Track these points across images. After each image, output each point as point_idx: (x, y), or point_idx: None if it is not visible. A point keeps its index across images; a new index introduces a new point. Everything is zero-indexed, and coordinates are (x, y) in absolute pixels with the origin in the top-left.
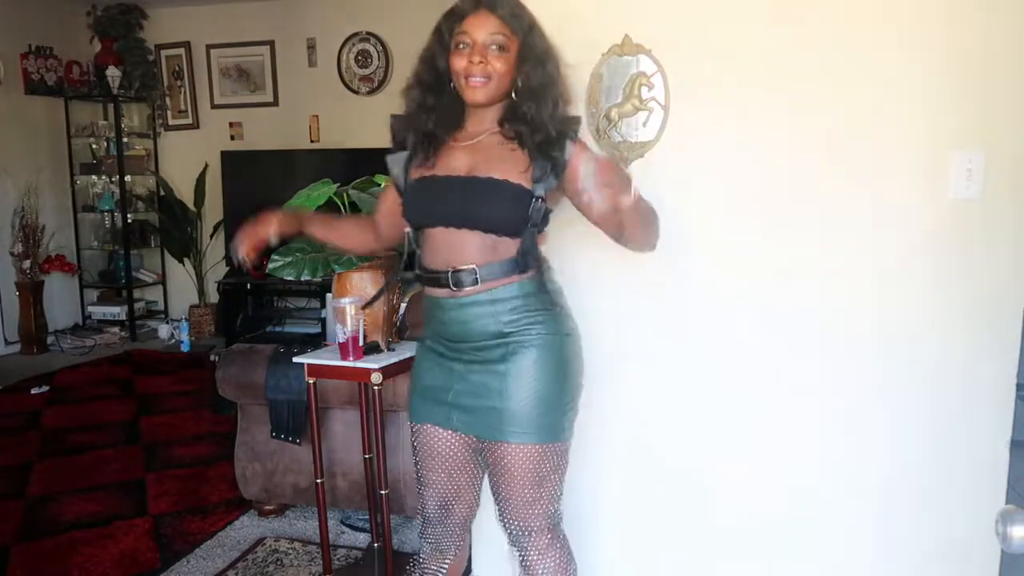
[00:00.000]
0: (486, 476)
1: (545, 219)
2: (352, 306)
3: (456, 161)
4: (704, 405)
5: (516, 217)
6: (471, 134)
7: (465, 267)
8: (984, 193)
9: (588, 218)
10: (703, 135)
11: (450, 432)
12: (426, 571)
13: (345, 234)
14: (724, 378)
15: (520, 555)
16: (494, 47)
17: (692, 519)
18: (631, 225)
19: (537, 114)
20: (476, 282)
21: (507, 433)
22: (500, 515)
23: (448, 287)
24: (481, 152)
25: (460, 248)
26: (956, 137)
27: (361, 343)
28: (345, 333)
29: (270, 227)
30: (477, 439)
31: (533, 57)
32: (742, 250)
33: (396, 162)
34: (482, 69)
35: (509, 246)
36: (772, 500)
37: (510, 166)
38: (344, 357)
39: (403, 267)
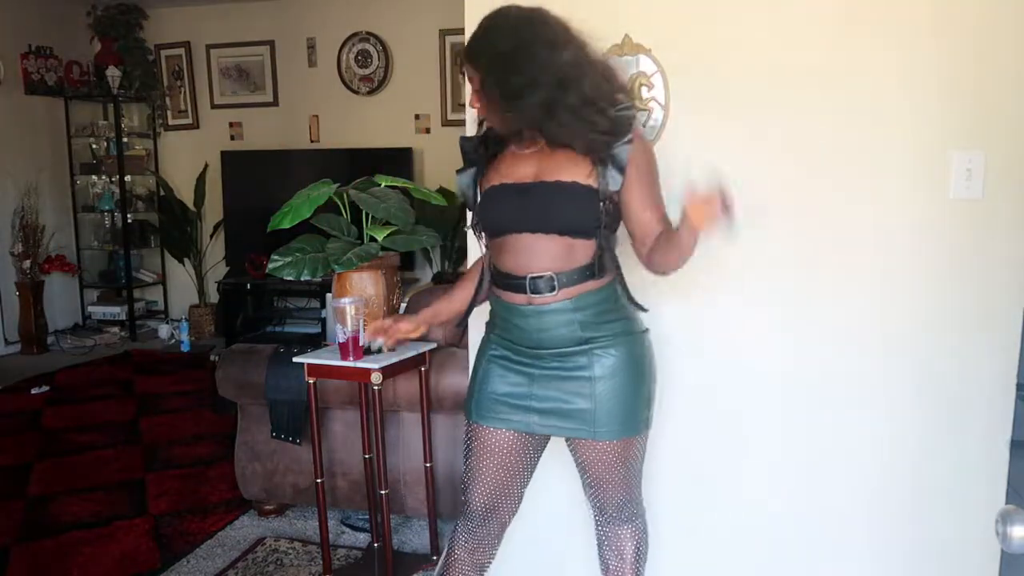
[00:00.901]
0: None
1: (617, 220)
2: (352, 306)
3: (523, 168)
4: (699, 405)
5: (587, 217)
6: (533, 143)
7: (543, 273)
8: (984, 193)
9: (630, 227)
10: (703, 135)
11: (513, 433)
12: (457, 564)
13: (466, 293)
14: (720, 378)
15: (606, 531)
16: (473, 92)
17: (691, 519)
18: (687, 251)
19: (538, 111)
20: (554, 288)
21: (598, 433)
22: (590, 498)
23: (526, 293)
24: (547, 158)
25: (536, 253)
26: (956, 137)
27: (361, 343)
28: (345, 333)
29: (410, 328)
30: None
31: (499, 71)
32: (741, 249)
33: (465, 178)
34: (477, 111)
35: (585, 250)
36: (771, 500)
37: (575, 168)
38: (344, 357)
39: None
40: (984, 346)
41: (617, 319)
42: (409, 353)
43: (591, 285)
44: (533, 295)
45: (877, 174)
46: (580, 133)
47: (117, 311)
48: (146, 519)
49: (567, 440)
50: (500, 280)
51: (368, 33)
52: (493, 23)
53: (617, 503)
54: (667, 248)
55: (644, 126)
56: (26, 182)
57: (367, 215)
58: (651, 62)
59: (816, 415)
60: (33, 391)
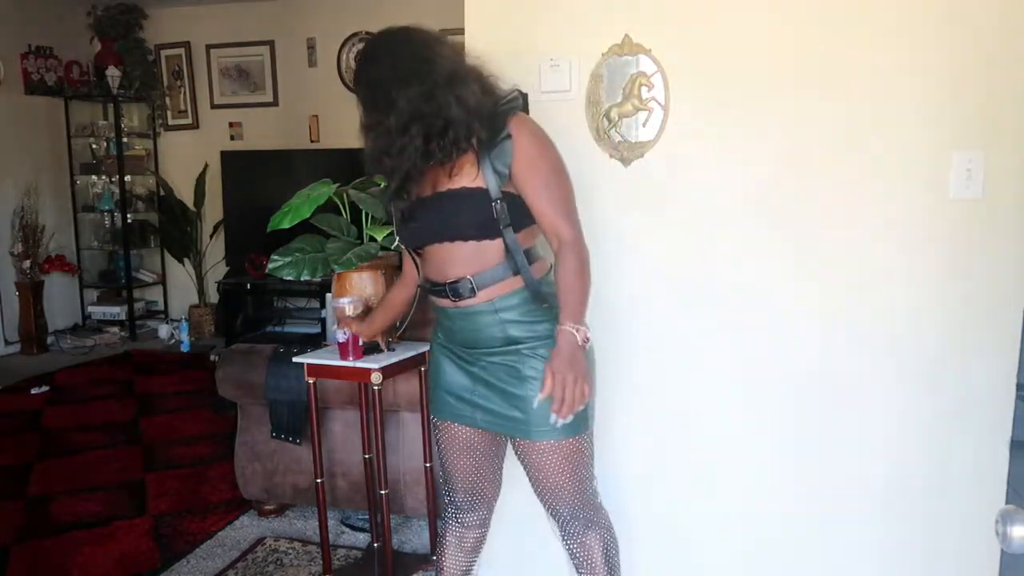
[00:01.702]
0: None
1: (520, 216)
2: (350, 306)
3: (422, 184)
4: (698, 405)
5: (482, 219)
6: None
7: (459, 278)
8: (984, 193)
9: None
10: (703, 135)
11: (465, 426)
12: (449, 552)
13: (396, 301)
14: (720, 377)
15: (570, 544)
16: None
17: (689, 519)
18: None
19: (399, 139)
20: (473, 291)
21: (533, 433)
22: (546, 507)
23: (448, 298)
24: (440, 169)
25: (451, 260)
26: (956, 137)
27: (361, 343)
28: (345, 333)
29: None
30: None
31: (367, 100)
32: (741, 250)
33: (385, 200)
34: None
35: (496, 251)
36: (771, 500)
37: (463, 174)
38: (344, 357)
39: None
40: (984, 346)
41: (547, 319)
42: (409, 353)
43: (509, 285)
44: (456, 299)
45: (877, 174)
46: (462, 135)
47: (117, 311)
48: (146, 519)
49: (512, 444)
50: (428, 287)
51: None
52: (359, 62)
53: (571, 507)
54: (558, 275)
55: (644, 126)
56: (26, 182)
57: (367, 215)
58: (651, 62)
59: (815, 415)
60: (33, 391)
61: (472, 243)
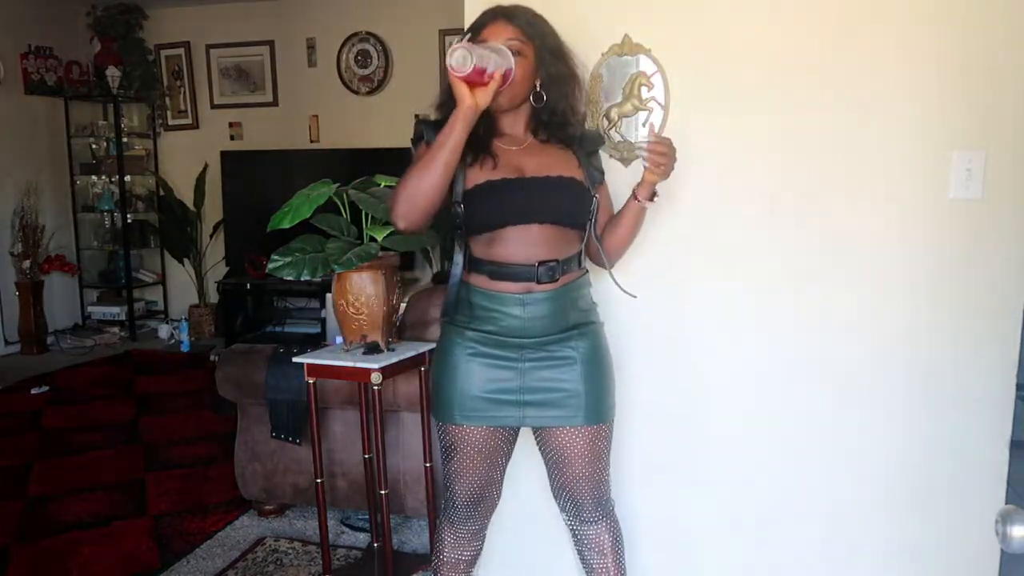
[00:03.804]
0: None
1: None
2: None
3: (519, 163)
4: (698, 403)
5: (581, 209)
6: (517, 139)
7: (548, 260)
8: (984, 193)
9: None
10: (703, 135)
11: (490, 428)
12: (444, 564)
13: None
14: (720, 378)
15: (582, 532)
16: (518, 61)
17: (688, 519)
18: (636, 227)
19: (565, 106)
20: (555, 276)
21: (587, 417)
22: (559, 493)
23: (532, 281)
24: (537, 155)
25: (540, 243)
26: (956, 137)
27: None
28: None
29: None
30: (532, 429)
31: (550, 56)
32: (741, 249)
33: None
34: (506, 83)
35: (574, 240)
36: (771, 500)
37: (568, 165)
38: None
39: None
40: (984, 346)
41: (592, 306)
42: (409, 353)
43: (579, 273)
44: (536, 284)
45: (877, 174)
46: (578, 133)
47: (117, 311)
48: (146, 519)
49: (539, 438)
50: (494, 271)
51: (368, 33)
52: (536, 14)
53: (593, 499)
54: (615, 227)
55: (644, 126)
56: (26, 182)
57: (367, 215)
58: (651, 62)
59: (815, 415)
60: (33, 391)
61: (563, 229)
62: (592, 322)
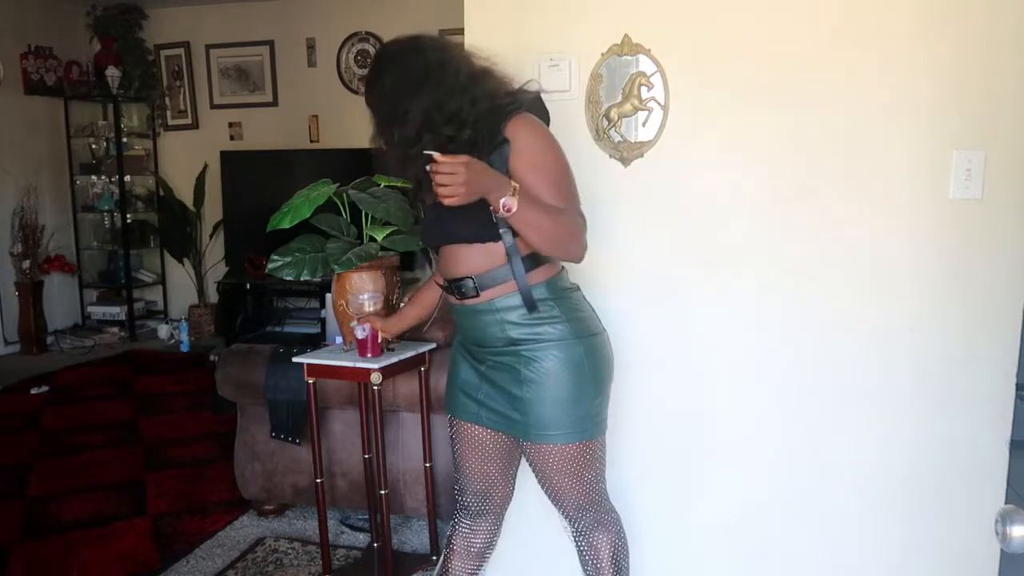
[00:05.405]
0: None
1: None
2: (371, 301)
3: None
4: (699, 403)
5: (480, 224)
6: None
7: (462, 276)
8: (984, 193)
9: None
10: (702, 135)
11: (481, 426)
12: (456, 554)
13: (428, 299)
14: (720, 377)
15: (580, 541)
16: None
17: (688, 518)
18: (533, 230)
19: (436, 127)
20: (475, 290)
21: (533, 435)
22: (555, 506)
23: (454, 296)
24: None
25: (458, 260)
26: (956, 137)
27: (380, 340)
28: (364, 330)
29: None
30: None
31: (387, 119)
32: (741, 249)
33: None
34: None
35: (501, 252)
36: (771, 500)
37: None
38: (363, 354)
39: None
40: (984, 346)
41: (547, 322)
42: (409, 353)
43: (511, 287)
44: (459, 297)
45: (877, 174)
46: (470, 136)
47: (117, 311)
48: (146, 519)
49: (521, 444)
50: (442, 286)
51: (368, 33)
52: (370, 91)
53: (576, 508)
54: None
55: (644, 126)
56: (26, 182)
57: (367, 215)
58: (651, 62)
59: (815, 415)
60: (33, 391)
61: (477, 245)
62: (548, 341)
